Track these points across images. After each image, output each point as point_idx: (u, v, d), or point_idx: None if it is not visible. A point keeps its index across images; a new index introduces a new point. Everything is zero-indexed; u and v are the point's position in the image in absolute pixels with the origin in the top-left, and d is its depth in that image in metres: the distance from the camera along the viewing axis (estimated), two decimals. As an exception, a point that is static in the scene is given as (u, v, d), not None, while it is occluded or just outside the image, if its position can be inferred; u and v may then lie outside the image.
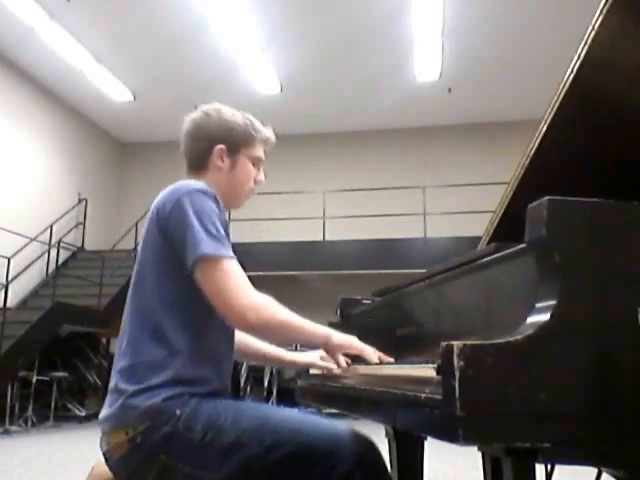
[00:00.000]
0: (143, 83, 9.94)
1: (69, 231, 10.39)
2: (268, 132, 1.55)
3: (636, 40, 1.27)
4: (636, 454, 0.88)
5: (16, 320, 7.62)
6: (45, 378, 7.73)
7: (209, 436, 1.24)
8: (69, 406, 8.57)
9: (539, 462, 0.88)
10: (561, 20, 7.51)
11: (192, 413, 1.25)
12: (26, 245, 8.89)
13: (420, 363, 1.10)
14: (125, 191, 12.20)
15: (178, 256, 1.31)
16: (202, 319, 1.32)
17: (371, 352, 1.40)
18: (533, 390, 0.84)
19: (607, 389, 0.87)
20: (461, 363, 0.83)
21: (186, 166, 1.53)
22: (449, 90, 9.86)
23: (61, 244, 9.34)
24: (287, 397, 8.14)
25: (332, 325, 1.89)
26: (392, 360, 1.42)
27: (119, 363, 1.33)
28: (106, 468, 1.35)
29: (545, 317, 0.88)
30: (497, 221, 1.61)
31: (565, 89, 1.32)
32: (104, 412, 1.32)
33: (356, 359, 1.43)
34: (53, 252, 9.44)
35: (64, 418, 8.13)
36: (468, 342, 0.84)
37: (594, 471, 1.80)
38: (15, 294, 8.67)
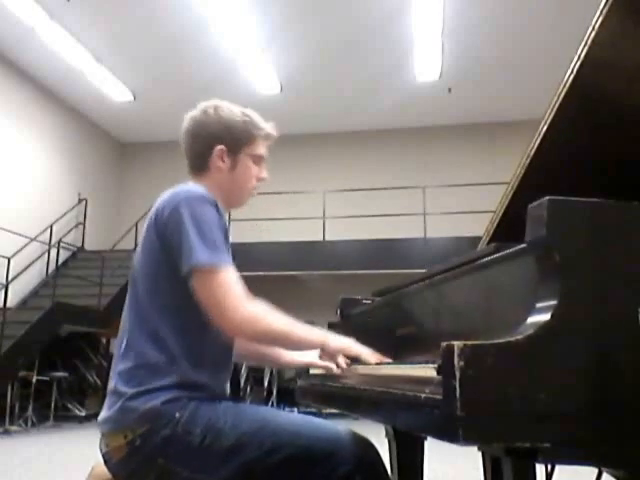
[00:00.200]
0: (143, 83, 9.94)
1: (69, 231, 10.38)
2: (269, 128, 1.52)
3: (636, 40, 1.27)
4: (636, 454, 0.88)
5: (16, 320, 7.61)
6: (45, 378, 7.73)
7: (208, 439, 1.23)
8: (69, 406, 8.57)
9: (539, 462, 0.88)
10: (561, 20, 7.51)
11: (191, 416, 1.25)
12: (26, 245, 8.89)
13: (420, 363, 1.10)
14: (125, 191, 12.20)
15: (174, 262, 1.30)
16: (199, 325, 1.31)
17: (369, 354, 1.40)
18: (533, 390, 0.84)
19: (607, 389, 0.87)
20: (461, 363, 0.83)
21: (188, 166, 1.51)
22: (449, 90, 9.85)
23: (61, 244, 9.34)
24: (287, 397, 8.15)
25: (332, 325, 1.89)
26: (390, 361, 1.42)
27: (118, 365, 1.32)
28: (106, 468, 1.35)
29: (545, 317, 0.88)
30: (497, 221, 1.61)
31: (565, 89, 1.32)
32: (103, 414, 1.31)
33: (355, 360, 1.43)
34: (53, 252, 9.44)
35: (64, 418, 8.12)
36: (468, 342, 0.84)
37: (594, 471, 1.80)
38: (15, 294, 8.67)
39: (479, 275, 1.22)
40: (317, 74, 9.56)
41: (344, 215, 10.33)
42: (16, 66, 9.27)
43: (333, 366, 1.49)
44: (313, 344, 1.41)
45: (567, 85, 1.32)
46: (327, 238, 10.14)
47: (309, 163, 11.42)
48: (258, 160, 1.51)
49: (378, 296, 1.80)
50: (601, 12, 1.24)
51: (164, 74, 9.64)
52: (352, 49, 8.75)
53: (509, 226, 1.46)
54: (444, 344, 0.85)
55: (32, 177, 9.69)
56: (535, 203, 0.96)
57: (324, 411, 6.75)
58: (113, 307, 8.68)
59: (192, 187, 1.38)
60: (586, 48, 1.27)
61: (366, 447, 1.32)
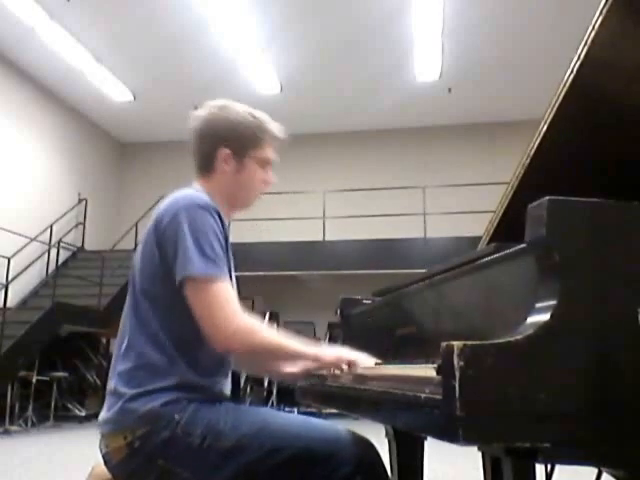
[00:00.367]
0: (143, 83, 9.94)
1: (69, 231, 10.38)
2: (277, 130, 1.49)
3: (636, 40, 1.27)
4: (636, 454, 0.88)
5: (16, 320, 7.61)
6: (45, 378, 7.73)
7: (208, 441, 1.23)
8: (69, 406, 8.57)
9: (539, 462, 0.88)
10: (561, 20, 7.51)
11: (191, 418, 1.25)
12: (26, 245, 8.89)
13: (420, 363, 1.10)
14: (125, 191, 12.20)
15: (170, 270, 1.29)
16: (197, 328, 1.29)
17: (364, 358, 1.40)
18: (533, 390, 0.84)
19: (607, 389, 0.87)
20: (461, 363, 0.83)
21: (195, 166, 1.49)
22: (449, 90, 9.85)
23: (61, 244, 9.34)
24: (287, 397, 8.15)
25: (332, 325, 1.88)
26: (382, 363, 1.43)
27: (118, 366, 1.32)
28: (106, 469, 1.35)
29: (545, 317, 0.88)
30: (497, 221, 1.61)
31: (565, 89, 1.32)
32: (103, 415, 1.31)
33: (351, 366, 1.43)
34: (53, 252, 9.44)
35: (64, 418, 8.12)
36: (468, 342, 0.84)
37: (594, 471, 1.80)
38: (15, 294, 8.67)
39: (479, 275, 1.22)
40: (317, 74, 9.56)
41: (344, 215, 10.33)
42: (16, 66, 9.27)
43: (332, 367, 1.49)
44: (305, 358, 1.41)
45: (567, 85, 1.32)
46: (327, 238, 10.14)
47: (309, 163, 11.42)
48: (264, 163, 1.48)
49: (378, 296, 1.80)
50: (601, 12, 1.24)
51: (164, 74, 9.64)
52: (352, 49, 8.75)
53: (509, 226, 1.46)
54: (444, 344, 0.85)
55: (32, 177, 9.69)
56: (535, 203, 0.96)
57: (324, 411, 6.75)
58: (113, 307, 8.68)
59: (193, 194, 1.36)
60: (586, 48, 1.27)
61: (366, 447, 1.32)
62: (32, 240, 8.95)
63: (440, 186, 10.24)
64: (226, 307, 1.26)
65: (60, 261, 9.49)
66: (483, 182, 9.13)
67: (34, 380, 7.39)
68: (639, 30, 1.27)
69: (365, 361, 1.40)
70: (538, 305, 0.91)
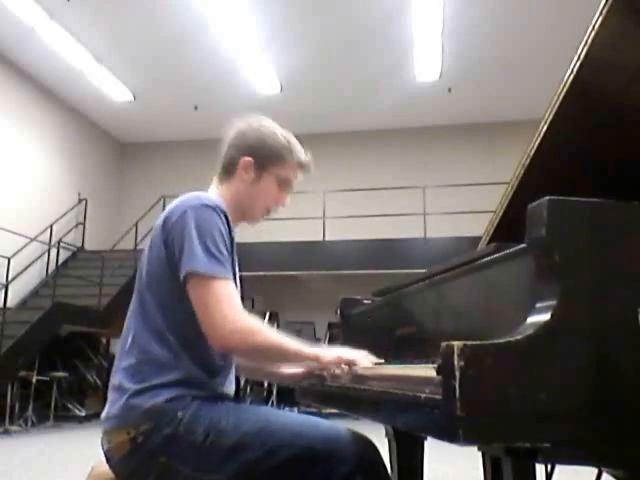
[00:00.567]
0: (143, 83, 9.94)
1: (69, 231, 10.38)
2: (305, 158, 1.54)
3: (636, 40, 1.27)
4: (636, 454, 0.88)
5: (16, 320, 7.61)
6: (45, 378, 7.73)
7: (210, 439, 1.24)
8: (69, 406, 8.57)
9: (539, 462, 0.88)
10: (561, 20, 7.51)
11: (194, 416, 1.26)
12: (26, 245, 8.89)
13: (420, 363, 1.10)
14: (125, 191, 12.20)
15: (176, 267, 1.31)
16: (201, 328, 1.30)
17: (363, 358, 1.40)
18: (533, 390, 0.84)
19: (607, 389, 0.87)
20: (461, 363, 0.83)
21: (218, 169, 1.53)
22: (449, 90, 9.86)
23: (61, 244, 9.33)
24: (287, 397, 8.15)
25: (332, 325, 1.89)
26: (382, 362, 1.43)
27: (123, 361, 1.33)
28: (106, 468, 1.35)
29: (545, 317, 0.88)
30: (497, 221, 1.60)
31: (565, 89, 1.32)
32: (106, 411, 1.32)
33: (351, 366, 1.43)
34: (53, 252, 9.43)
35: (64, 418, 8.12)
36: (468, 342, 0.84)
37: (594, 471, 1.80)
38: (15, 294, 8.67)
39: (479, 275, 1.22)
40: (317, 74, 9.56)
41: (344, 215, 10.33)
42: (16, 66, 9.27)
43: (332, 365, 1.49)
44: (305, 359, 1.42)
45: (567, 85, 1.32)
46: (327, 238, 10.14)
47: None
48: (283, 184, 1.52)
49: (378, 296, 1.80)
50: (601, 12, 1.24)
51: (164, 74, 9.64)
52: (352, 49, 8.75)
53: (509, 226, 1.46)
54: (444, 344, 0.85)
55: (32, 177, 9.69)
56: (535, 203, 0.96)
57: (324, 411, 6.75)
58: (113, 307, 8.68)
59: (202, 195, 1.39)
60: (586, 48, 1.27)
61: (367, 446, 1.32)
62: (32, 240, 8.95)
63: (440, 186, 10.24)
64: (226, 306, 1.27)
65: (60, 261, 9.48)
66: (483, 182, 9.12)
67: (34, 380, 7.39)
68: (639, 30, 1.27)
69: (364, 361, 1.40)
70: (538, 305, 0.91)
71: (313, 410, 6.92)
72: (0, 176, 8.96)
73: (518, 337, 0.86)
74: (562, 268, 0.91)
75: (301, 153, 1.54)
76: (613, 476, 0.97)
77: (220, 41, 8.49)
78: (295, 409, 7.77)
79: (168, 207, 1.40)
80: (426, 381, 0.93)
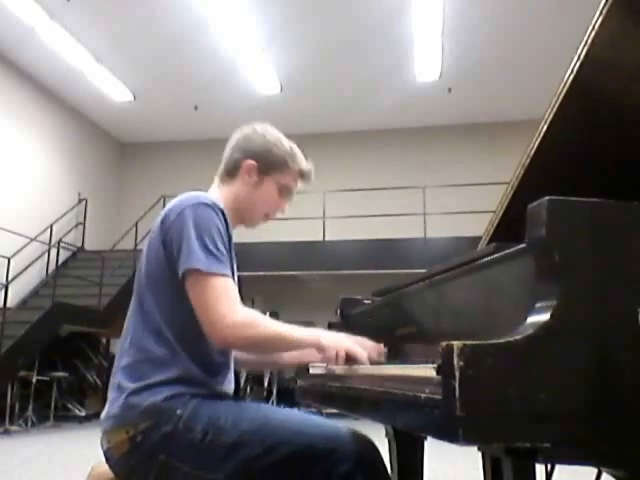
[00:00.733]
0: (143, 83, 9.94)
1: (69, 231, 10.39)
2: (307, 167, 1.57)
3: (636, 40, 1.27)
4: (636, 454, 0.88)
5: (16, 320, 7.62)
6: (45, 378, 7.73)
7: (210, 436, 1.24)
8: (69, 406, 8.57)
9: (539, 462, 0.88)
10: (561, 20, 7.51)
11: (193, 413, 1.26)
12: (26, 245, 8.89)
13: (420, 363, 1.10)
14: (125, 191, 12.20)
15: (175, 265, 1.32)
16: (200, 326, 1.30)
17: (362, 353, 1.38)
18: (533, 390, 0.84)
19: (607, 389, 0.87)
20: (461, 363, 0.83)
21: (220, 170, 1.56)
22: (449, 90, 9.86)
23: (61, 244, 9.34)
24: (287, 397, 8.14)
25: (332, 325, 1.89)
26: (385, 350, 1.42)
27: (122, 360, 1.34)
28: (106, 468, 1.35)
29: (545, 317, 0.88)
30: (497, 221, 1.60)
31: (565, 89, 1.32)
32: (106, 410, 1.33)
33: (351, 359, 1.42)
34: (53, 252, 9.44)
35: (64, 418, 8.12)
36: (468, 342, 0.84)
37: (594, 471, 1.80)
38: (15, 294, 8.67)
39: (479, 275, 1.22)
40: (317, 74, 9.56)
41: (344, 215, 10.33)
42: (16, 66, 9.27)
43: (332, 356, 1.47)
44: (305, 345, 1.42)
45: (567, 85, 1.32)
46: (327, 238, 10.14)
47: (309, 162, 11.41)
48: (283, 190, 1.55)
49: (378, 296, 1.80)
50: (601, 12, 1.24)
51: (164, 74, 9.64)
52: (352, 49, 8.75)
53: (509, 226, 1.46)
54: (444, 344, 0.85)
55: (32, 177, 9.69)
56: (535, 203, 0.96)
57: (324, 411, 6.75)
58: (113, 307, 8.69)
59: (200, 194, 1.40)
60: (586, 48, 1.27)
61: (366, 445, 1.32)
62: (32, 240, 8.95)
63: (440, 186, 10.24)
64: (224, 302, 1.27)
65: (60, 261, 9.49)
66: (483, 182, 9.13)
67: (34, 380, 7.39)
68: (639, 30, 1.27)
69: (362, 356, 1.38)
70: (538, 305, 0.91)
71: (313, 410, 6.93)
72: (0, 176, 8.96)
73: (518, 337, 0.86)
74: (562, 268, 0.91)
75: (303, 162, 1.57)
76: (613, 476, 0.97)
77: (220, 41, 8.49)
78: (295, 409, 7.77)
79: (166, 206, 1.40)
80: (426, 381, 0.93)
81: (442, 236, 9.42)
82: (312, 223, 10.19)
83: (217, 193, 1.50)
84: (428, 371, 0.93)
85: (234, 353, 1.51)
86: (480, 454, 1.50)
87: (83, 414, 8.40)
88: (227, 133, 1.62)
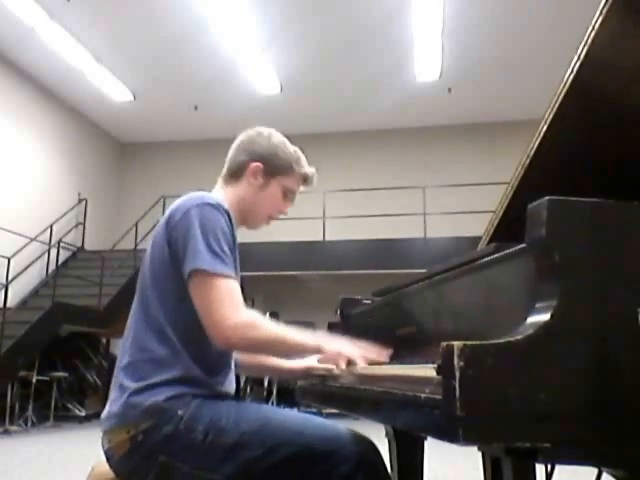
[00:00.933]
0: (143, 83, 9.94)
1: (69, 231, 10.39)
2: (311, 172, 1.59)
3: (636, 40, 1.27)
4: (636, 454, 0.88)
5: (16, 320, 7.62)
6: (45, 378, 7.73)
7: (210, 437, 1.24)
8: (69, 406, 8.57)
9: (539, 462, 0.88)
10: (561, 20, 7.51)
11: (194, 414, 1.26)
12: (26, 245, 8.89)
13: (420, 363, 1.10)
14: (125, 191, 12.20)
15: (179, 265, 1.32)
16: (202, 327, 1.31)
17: (361, 358, 1.39)
18: (533, 390, 0.84)
19: (607, 389, 0.87)
20: (461, 363, 0.83)
21: (223, 172, 1.56)
22: (449, 90, 9.86)
23: (61, 244, 9.34)
24: (287, 397, 8.15)
25: (332, 325, 1.89)
26: (389, 353, 1.42)
27: (124, 360, 1.34)
28: (106, 468, 1.35)
29: (545, 317, 0.88)
30: (497, 221, 1.60)
31: (565, 89, 1.32)
32: (107, 410, 1.33)
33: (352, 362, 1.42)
34: (53, 252, 9.44)
35: (64, 418, 8.13)
36: (468, 342, 0.84)
37: (594, 471, 1.80)
38: (15, 294, 8.67)
39: (479, 275, 1.22)
40: (317, 74, 9.56)
41: (344, 215, 10.33)
42: (16, 66, 9.27)
43: (333, 367, 1.49)
44: (307, 350, 1.42)
45: (567, 85, 1.32)
46: (327, 238, 10.14)
47: (309, 163, 11.41)
48: (287, 193, 1.56)
49: (378, 296, 1.80)
50: (601, 12, 1.24)
51: (164, 74, 9.64)
52: (352, 49, 8.75)
53: (509, 226, 1.46)
54: (444, 344, 0.85)
55: (32, 177, 9.69)
56: (535, 203, 0.96)
57: (324, 411, 6.75)
58: (113, 307, 8.69)
59: (206, 195, 1.41)
60: (586, 48, 1.27)
61: (367, 446, 1.32)
62: (32, 240, 8.95)
63: (440, 186, 10.24)
64: (227, 303, 1.28)
65: (60, 261, 9.49)
66: (483, 182, 9.13)
67: (34, 380, 7.39)
68: (639, 30, 1.27)
69: (362, 361, 1.39)
70: (538, 305, 0.91)
71: (313, 410, 6.93)
72: (0, 176, 8.96)
73: (518, 337, 0.86)
74: (562, 268, 0.91)
75: (307, 166, 1.59)
76: (613, 476, 0.97)
77: (220, 41, 8.49)
78: (295, 409, 7.77)
79: (171, 206, 1.40)
80: (426, 381, 0.93)
81: (442, 236, 9.42)
82: (312, 223, 10.19)
83: (221, 194, 1.50)
84: (428, 371, 0.93)
85: (235, 357, 1.51)
86: (480, 454, 1.50)
87: (83, 414, 8.40)
88: (227, 133, 1.63)
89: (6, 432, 6.72)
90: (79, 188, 10.89)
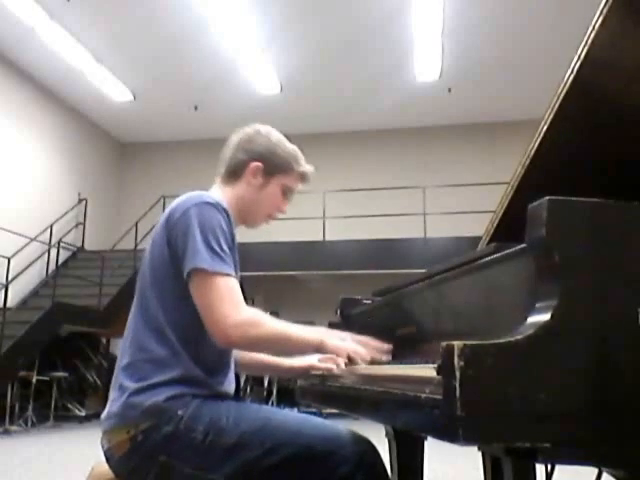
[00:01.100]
0: (143, 83, 9.94)
1: (69, 231, 10.38)
2: (309, 169, 1.58)
3: (636, 40, 1.27)
4: (636, 454, 0.88)
5: (16, 320, 7.62)
6: (45, 378, 7.73)
7: (210, 437, 1.24)
8: (69, 406, 8.58)
9: (539, 462, 0.88)
10: (561, 20, 7.51)
11: (194, 414, 1.26)
12: (26, 245, 8.89)
13: (420, 363, 1.10)
14: (125, 191, 12.20)
15: (179, 264, 1.32)
16: (202, 327, 1.31)
17: (364, 354, 1.39)
18: (533, 390, 0.84)
19: (607, 389, 0.87)
20: (461, 363, 0.83)
21: (221, 171, 1.55)
22: (449, 90, 9.86)
23: (61, 244, 9.34)
24: (287, 397, 8.15)
25: (332, 325, 1.89)
26: (390, 350, 1.42)
27: (123, 360, 1.34)
28: (106, 468, 1.35)
29: (545, 317, 0.88)
30: (497, 221, 1.60)
31: (565, 89, 1.32)
32: (107, 410, 1.33)
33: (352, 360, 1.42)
34: (53, 252, 9.44)
35: (64, 418, 8.13)
36: (468, 342, 0.84)
37: (594, 471, 1.80)
38: (15, 294, 8.67)
39: (479, 275, 1.22)
40: (317, 74, 9.56)
41: (344, 215, 10.33)
42: (16, 66, 9.27)
43: (333, 367, 1.49)
44: (309, 346, 1.41)
45: (567, 85, 1.32)
46: (327, 238, 10.14)
47: (309, 163, 11.41)
48: (286, 192, 1.56)
49: (378, 296, 1.80)
50: (601, 12, 1.24)
51: (164, 74, 9.64)
52: (352, 49, 8.75)
53: (509, 226, 1.46)
54: (444, 344, 0.85)
55: (32, 177, 9.69)
56: (535, 203, 0.96)
57: (324, 411, 6.75)
58: (113, 307, 8.69)
59: (204, 194, 1.40)
60: (586, 48, 1.27)
61: (366, 447, 1.32)
62: (32, 240, 8.95)
63: (440, 186, 10.24)
64: (227, 301, 1.28)
65: (60, 261, 9.49)
66: (483, 182, 9.13)
67: (34, 380, 7.39)
68: (639, 30, 1.27)
69: (364, 358, 1.39)
70: (538, 305, 0.91)
71: (313, 410, 6.92)
72: (0, 176, 8.95)
73: (518, 337, 0.86)
74: (562, 268, 0.91)
75: (305, 163, 1.58)
76: (613, 476, 0.97)
77: (220, 41, 8.49)
78: (295, 409, 7.77)
79: (170, 205, 1.40)
80: (426, 381, 0.93)
81: (442, 236, 9.42)
82: (312, 223, 10.19)
83: (220, 193, 1.49)
84: (428, 371, 0.93)
85: (235, 356, 1.51)
86: (480, 454, 1.50)
87: (83, 414, 8.40)
88: (227, 133, 1.62)
89: (6, 432, 6.72)
90: (79, 188, 10.89)
